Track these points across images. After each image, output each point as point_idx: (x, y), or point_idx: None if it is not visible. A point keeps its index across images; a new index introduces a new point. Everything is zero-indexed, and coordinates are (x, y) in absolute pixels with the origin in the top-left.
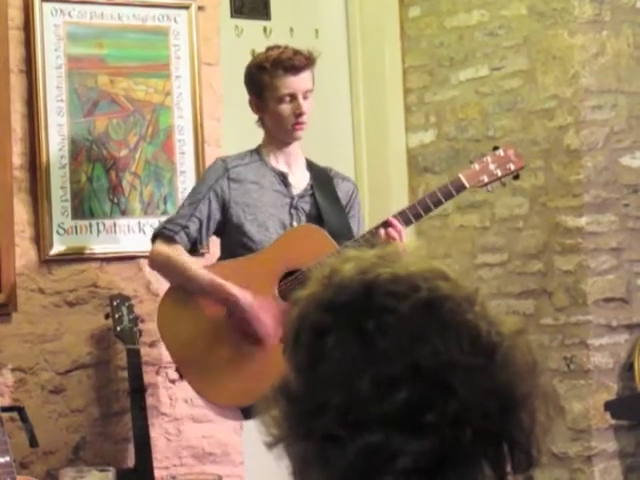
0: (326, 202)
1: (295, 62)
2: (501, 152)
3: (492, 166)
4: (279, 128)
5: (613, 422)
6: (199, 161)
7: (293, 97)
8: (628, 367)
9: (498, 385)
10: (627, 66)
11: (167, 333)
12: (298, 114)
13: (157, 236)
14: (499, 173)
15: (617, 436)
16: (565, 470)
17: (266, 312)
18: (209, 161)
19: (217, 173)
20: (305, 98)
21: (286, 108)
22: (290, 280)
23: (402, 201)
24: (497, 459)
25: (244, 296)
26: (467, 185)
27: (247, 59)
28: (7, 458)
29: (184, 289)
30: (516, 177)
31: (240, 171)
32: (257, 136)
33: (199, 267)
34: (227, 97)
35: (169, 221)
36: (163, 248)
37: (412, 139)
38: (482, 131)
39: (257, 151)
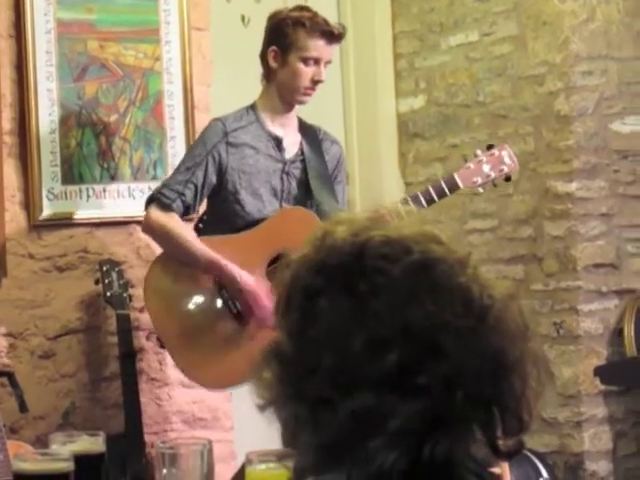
0: (314, 169)
1: (333, 30)
2: (495, 152)
3: (486, 167)
4: (291, 86)
5: (603, 388)
6: (189, 126)
7: (317, 62)
8: (618, 332)
9: (490, 348)
10: (617, 32)
11: (153, 304)
12: (316, 80)
13: (152, 200)
14: (492, 175)
15: (607, 402)
16: (555, 435)
17: (264, 294)
18: (199, 126)
19: (216, 137)
20: (324, 68)
21: (308, 70)
22: (279, 264)
23: (392, 166)
24: (488, 423)
25: (242, 276)
26: (461, 186)
27: (237, 24)
28: None
29: (178, 260)
30: (508, 179)
31: (238, 135)
32: (247, 101)
33: (197, 241)
34: (217, 62)
35: (165, 186)
36: (159, 216)
37: (402, 104)
38: (472, 96)
39: (253, 109)
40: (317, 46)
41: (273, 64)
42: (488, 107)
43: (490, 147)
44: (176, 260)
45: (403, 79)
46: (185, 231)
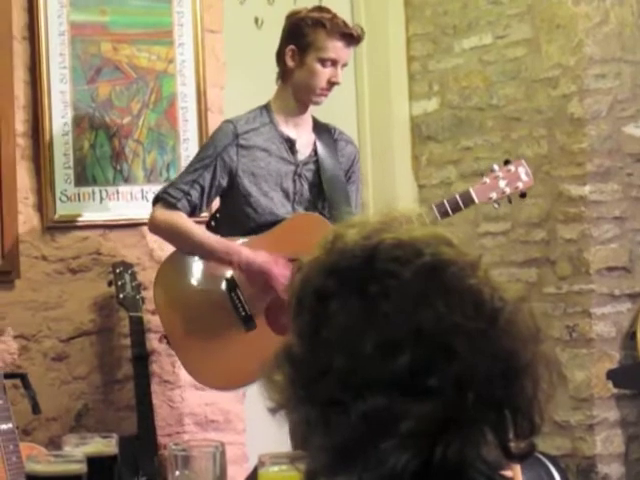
0: (328, 170)
1: (353, 33)
2: (512, 168)
3: (502, 183)
4: (307, 87)
5: (615, 391)
6: (202, 128)
7: (334, 64)
8: (630, 336)
9: (501, 350)
10: (631, 35)
11: (161, 302)
12: (333, 82)
13: (158, 200)
14: (508, 191)
15: (619, 405)
16: (567, 439)
17: (278, 267)
18: (212, 128)
19: (227, 139)
20: (341, 70)
21: (325, 71)
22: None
23: (405, 169)
24: (500, 425)
25: (255, 254)
26: (476, 201)
27: (250, 26)
28: (10, 425)
29: (189, 254)
30: (523, 195)
31: (250, 137)
32: (260, 103)
33: (206, 232)
34: (230, 64)
35: (172, 185)
36: (164, 214)
37: (415, 107)
38: (485, 100)
39: (267, 109)
40: (335, 48)
41: (290, 63)
42: (502, 110)
43: (507, 162)
44: (187, 260)
45: (416, 82)
46: (192, 225)
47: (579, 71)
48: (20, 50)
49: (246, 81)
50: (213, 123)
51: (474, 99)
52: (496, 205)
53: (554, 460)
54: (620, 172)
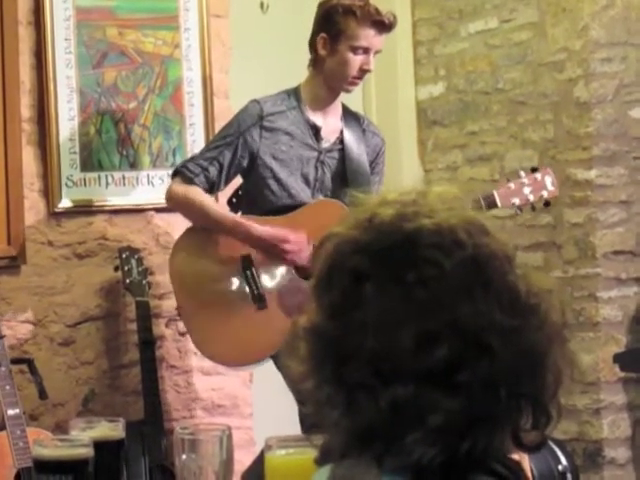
0: (353, 160)
1: (384, 20)
2: (538, 176)
3: (526, 190)
4: (339, 74)
5: (622, 375)
6: (208, 113)
7: (366, 52)
8: (637, 320)
9: (530, 347)
10: (637, 18)
11: (176, 274)
12: (365, 70)
13: (177, 173)
14: (531, 198)
15: (626, 389)
16: (574, 422)
17: (295, 234)
18: (218, 113)
19: (251, 119)
20: (373, 57)
21: (356, 59)
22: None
23: (411, 154)
24: (517, 417)
25: (266, 228)
26: (499, 204)
27: (256, 11)
28: (17, 410)
29: (203, 229)
30: (547, 204)
31: (275, 119)
32: (266, 88)
33: (219, 207)
34: (236, 49)
35: (192, 160)
36: (181, 188)
37: (421, 92)
38: (491, 84)
39: (296, 94)
40: (367, 35)
41: (322, 51)
42: (507, 94)
43: (534, 170)
44: (204, 235)
45: (422, 66)
46: (207, 198)
47: (585, 55)
48: (26, 35)
49: (252, 66)
50: (219, 108)
51: (480, 83)
52: (518, 211)
53: (561, 444)
54: (626, 156)
